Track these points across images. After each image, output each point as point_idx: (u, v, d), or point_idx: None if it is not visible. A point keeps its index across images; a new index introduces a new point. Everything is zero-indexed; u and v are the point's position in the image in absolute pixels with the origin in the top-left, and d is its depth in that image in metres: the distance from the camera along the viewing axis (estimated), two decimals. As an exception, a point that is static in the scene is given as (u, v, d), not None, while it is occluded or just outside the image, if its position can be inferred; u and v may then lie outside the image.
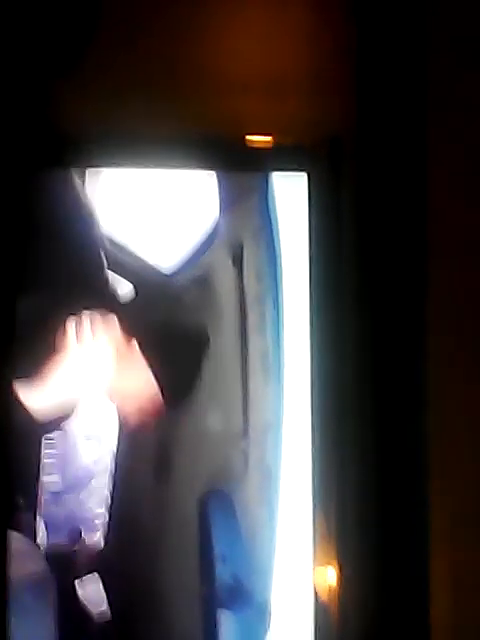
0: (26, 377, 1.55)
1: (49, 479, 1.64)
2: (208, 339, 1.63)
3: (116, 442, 1.65)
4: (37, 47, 1.41)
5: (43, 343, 1.57)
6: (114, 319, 1.59)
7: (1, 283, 1.45)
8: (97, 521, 1.64)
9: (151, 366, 1.58)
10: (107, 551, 1.62)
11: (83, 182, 1.70)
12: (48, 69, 1.41)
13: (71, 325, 1.57)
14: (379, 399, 1.42)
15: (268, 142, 1.47)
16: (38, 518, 1.63)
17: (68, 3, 1.43)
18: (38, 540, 1.60)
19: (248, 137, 1.46)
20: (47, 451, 1.65)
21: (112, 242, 1.78)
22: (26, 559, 1.56)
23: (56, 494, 1.64)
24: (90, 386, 1.59)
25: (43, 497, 1.63)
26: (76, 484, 1.65)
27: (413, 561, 1.39)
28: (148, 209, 1.74)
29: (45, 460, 1.64)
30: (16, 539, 1.53)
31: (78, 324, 1.57)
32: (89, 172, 1.64)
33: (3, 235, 1.44)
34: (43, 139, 1.45)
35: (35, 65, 1.41)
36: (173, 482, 1.63)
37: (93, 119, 1.41)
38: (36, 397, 1.55)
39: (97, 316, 1.58)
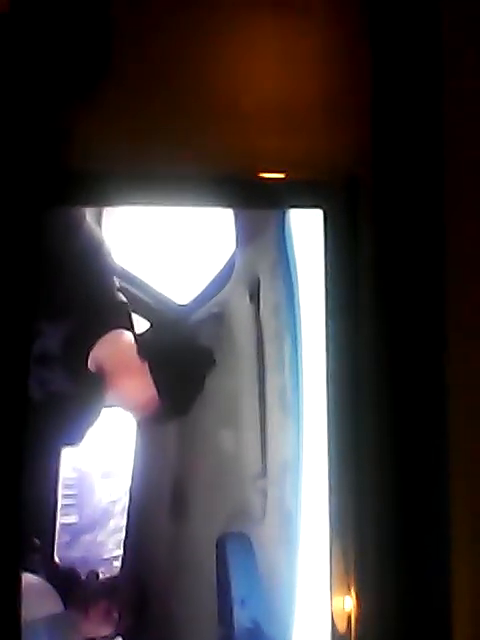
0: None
1: (67, 520, 1.63)
2: (213, 361, 1.64)
3: (131, 477, 1.64)
4: (50, 84, 1.41)
5: (60, 368, 1.59)
6: (128, 341, 1.61)
7: (17, 313, 1.44)
8: (114, 563, 1.63)
9: (156, 383, 1.61)
10: (124, 594, 1.60)
11: (99, 219, 1.71)
12: (61, 107, 1.42)
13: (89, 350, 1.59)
14: (398, 436, 1.39)
15: (283, 179, 1.45)
16: (55, 558, 1.62)
17: (79, 41, 1.43)
18: (53, 579, 1.59)
19: (263, 174, 1.45)
20: (65, 492, 1.64)
21: (128, 278, 1.78)
22: (42, 600, 1.54)
23: (73, 535, 1.63)
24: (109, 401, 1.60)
25: (60, 538, 1.62)
26: (93, 524, 1.63)
27: (434, 601, 1.35)
28: (165, 246, 1.74)
29: (63, 501, 1.64)
30: (32, 580, 1.52)
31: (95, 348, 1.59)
32: (106, 210, 1.65)
33: (18, 271, 1.44)
34: (57, 177, 1.44)
35: (48, 103, 1.42)
36: (190, 523, 1.61)
37: (106, 157, 1.41)
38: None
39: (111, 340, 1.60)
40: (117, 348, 1.63)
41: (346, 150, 1.44)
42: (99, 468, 1.65)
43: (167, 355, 1.65)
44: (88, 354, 1.62)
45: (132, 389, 1.62)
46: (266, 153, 1.44)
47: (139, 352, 1.62)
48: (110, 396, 1.61)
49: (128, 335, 1.64)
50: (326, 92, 1.46)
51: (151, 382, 1.61)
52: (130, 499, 1.64)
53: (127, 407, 1.65)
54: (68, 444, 1.63)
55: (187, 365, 1.66)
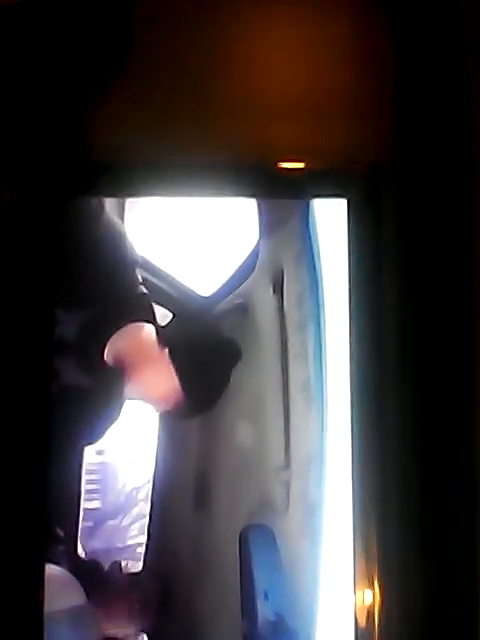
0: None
1: (90, 505, 1.63)
2: (239, 354, 1.61)
3: (154, 465, 1.64)
4: (69, 75, 1.41)
5: (74, 359, 1.59)
6: (149, 333, 1.60)
7: (38, 303, 1.44)
8: (137, 550, 1.63)
9: (179, 375, 1.58)
10: (147, 588, 1.59)
11: (122, 211, 1.70)
12: (81, 98, 1.41)
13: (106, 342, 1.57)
14: (424, 427, 1.37)
15: (305, 168, 1.44)
16: (79, 550, 1.62)
17: (98, 31, 1.42)
18: (77, 571, 1.59)
19: (285, 163, 1.43)
20: (88, 477, 1.64)
21: (151, 270, 1.77)
22: (65, 592, 1.54)
23: (97, 521, 1.63)
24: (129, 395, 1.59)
25: (83, 523, 1.62)
26: (117, 510, 1.63)
27: (460, 594, 1.33)
28: (188, 237, 1.73)
29: (86, 487, 1.63)
30: (55, 571, 1.52)
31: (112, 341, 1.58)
32: (128, 201, 1.64)
33: (40, 261, 1.44)
34: (79, 168, 1.44)
35: (68, 94, 1.41)
36: (214, 515, 1.60)
37: (127, 148, 1.40)
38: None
39: (131, 332, 1.59)
40: (137, 340, 1.60)
41: (368, 138, 1.41)
42: (122, 455, 1.64)
43: (191, 348, 1.63)
44: (105, 346, 1.60)
45: (154, 382, 1.59)
46: (288, 142, 1.43)
47: (161, 343, 1.60)
48: (130, 390, 1.59)
49: (149, 328, 1.62)
50: (347, 79, 1.44)
51: (174, 375, 1.58)
52: (153, 487, 1.63)
53: (149, 401, 1.62)
54: (89, 442, 1.62)
55: (212, 358, 1.63)
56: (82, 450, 1.68)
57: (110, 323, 1.60)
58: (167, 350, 1.59)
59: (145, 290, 1.66)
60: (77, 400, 1.58)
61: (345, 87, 1.43)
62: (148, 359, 1.61)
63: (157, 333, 1.61)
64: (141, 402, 1.63)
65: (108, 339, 1.60)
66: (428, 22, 1.39)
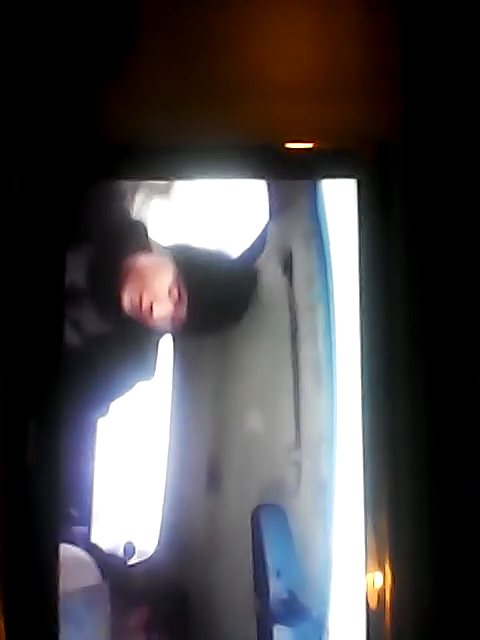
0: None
1: (104, 485, 1.64)
2: (255, 283, 1.62)
3: (167, 447, 1.65)
4: (77, 60, 1.41)
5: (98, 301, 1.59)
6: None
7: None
8: (149, 531, 1.64)
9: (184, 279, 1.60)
10: (158, 564, 1.61)
11: (132, 193, 1.70)
12: (90, 82, 1.41)
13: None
14: (433, 407, 1.38)
15: (315, 148, 1.44)
16: (92, 527, 1.63)
17: (107, 14, 1.42)
18: (91, 549, 1.60)
19: (294, 144, 1.44)
20: (100, 457, 1.65)
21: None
22: (80, 571, 1.56)
23: (108, 500, 1.64)
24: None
25: (97, 506, 1.63)
26: (130, 491, 1.64)
27: (472, 573, 1.34)
28: (196, 218, 1.73)
29: (99, 465, 1.64)
30: (70, 551, 1.53)
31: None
32: (136, 183, 1.64)
33: (54, 245, 1.45)
34: (91, 151, 1.45)
35: (78, 79, 1.41)
36: (225, 495, 1.61)
37: (135, 131, 1.41)
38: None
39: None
40: (142, 265, 1.61)
41: (378, 118, 1.42)
42: (135, 436, 1.65)
43: (202, 261, 1.63)
44: (117, 284, 1.60)
45: (159, 283, 1.60)
46: (297, 123, 1.43)
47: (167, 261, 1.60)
48: (128, 299, 1.59)
49: (148, 253, 1.62)
50: (356, 59, 1.44)
51: (178, 277, 1.59)
52: (167, 468, 1.65)
53: (149, 305, 1.60)
54: (125, 390, 1.62)
55: (223, 275, 1.63)
56: (107, 406, 1.67)
57: (113, 258, 1.60)
58: (172, 258, 1.60)
59: (139, 218, 1.66)
60: (102, 351, 1.59)
61: (354, 67, 1.43)
62: (148, 270, 1.61)
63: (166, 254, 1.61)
64: (142, 317, 1.62)
65: (116, 275, 1.60)
66: (437, 2, 1.39)
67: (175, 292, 1.60)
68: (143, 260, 1.63)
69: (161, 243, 1.67)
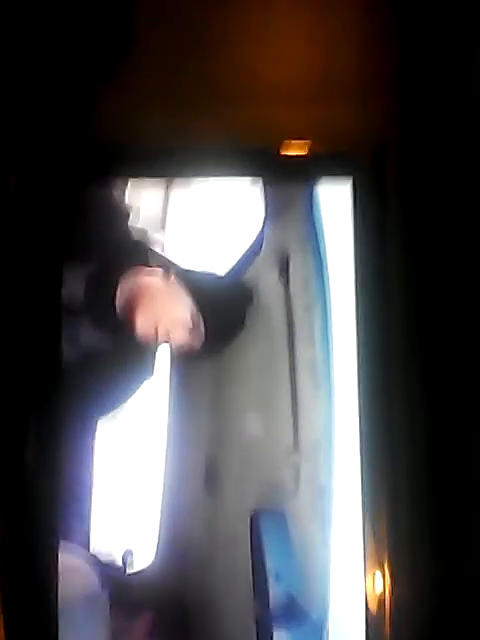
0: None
1: (102, 490, 1.63)
2: (252, 297, 1.63)
3: (164, 450, 1.64)
4: (75, 61, 1.41)
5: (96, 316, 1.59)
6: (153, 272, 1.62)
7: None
8: (147, 538, 1.63)
9: (194, 300, 1.60)
10: (158, 569, 1.61)
11: (126, 192, 1.70)
12: (87, 83, 1.41)
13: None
14: (430, 408, 1.37)
15: (311, 149, 1.43)
16: (91, 533, 1.62)
17: (103, 15, 1.42)
18: (90, 556, 1.60)
19: (291, 144, 1.43)
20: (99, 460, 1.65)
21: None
22: (78, 577, 1.56)
23: (109, 508, 1.63)
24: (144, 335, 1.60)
25: (95, 512, 1.62)
26: (128, 496, 1.64)
27: (470, 574, 1.34)
28: (194, 219, 1.73)
29: (98, 470, 1.64)
30: (68, 555, 1.53)
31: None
32: (132, 182, 1.63)
33: (51, 245, 1.44)
34: (88, 150, 1.44)
35: (75, 80, 1.41)
36: (224, 499, 1.61)
37: (132, 131, 1.40)
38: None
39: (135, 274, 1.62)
40: (142, 283, 1.62)
41: (373, 120, 1.41)
42: (133, 440, 1.65)
43: (206, 282, 1.64)
44: (114, 299, 1.61)
45: (168, 307, 1.61)
46: (293, 123, 1.43)
47: (172, 280, 1.61)
48: (145, 328, 1.59)
49: (150, 270, 1.63)
50: (352, 62, 1.43)
51: (189, 299, 1.59)
52: (164, 472, 1.64)
53: (164, 334, 1.60)
54: (109, 408, 1.62)
55: (227, 295, 1.64)
56: (95, 429, 1.68)
57: (111, 273, 1.61)
58: (178, 281, 1.60)
59: (140, 238, 1.66)
60: (96, 365, 1.59)
61: (350, 69, 1.43)
62: (159, 294, 1.61)
63: (166, 273, 1.62)
64: (156, 344, 1.62)
65: (114, 291, 1.61)
66: (433, 4, 1.38)
67: (193, 321, 1.60)
68: (153, 283, 1.63)
69: (164, 260, 1.68)
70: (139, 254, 1.65)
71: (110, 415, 1.64)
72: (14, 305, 1.40)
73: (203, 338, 1.61)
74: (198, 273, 1.66)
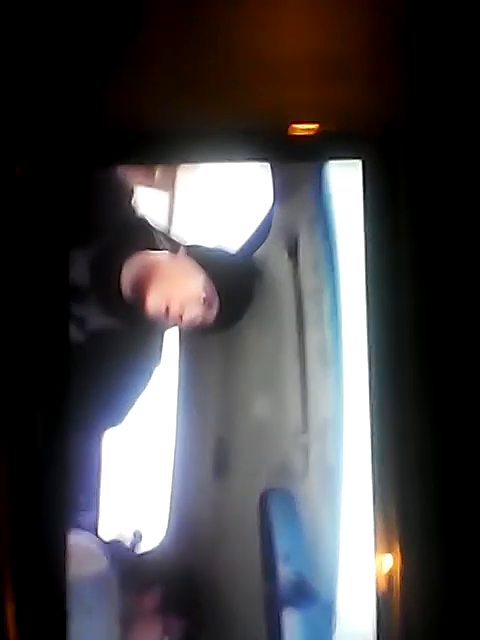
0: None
1: (111, 474, 1.64)
2: (262, 274, 1.63)
3: (174, 433, 1.64)
4: (81, 47, 1.40)
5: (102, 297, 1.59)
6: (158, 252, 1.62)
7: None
8: (157, 518, 1.64)
9: (205, 270, 1.61)
10: (167, 548, 1.61)
11: (136, 181, 1.70)
12: (93, 69, 1.41)
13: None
14: (439, 391, 1.38)
15: (320, 129, 1.43)
16: (100, 514, 1.63)
17: (109, 0, 1.41)
18: (99, 538, 1.60)
19: (299, 125, 1.42)
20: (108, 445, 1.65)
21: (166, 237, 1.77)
22: (87, 558, 1.56)
23: (116, 488, 1.64)
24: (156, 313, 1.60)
25: (103, 493, 1.63)
26: (138, 479, 1.64)
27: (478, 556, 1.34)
28: (201, 202, 1.72)
29: (107, 454, 1.64)
30: (77, 538, 1.53)
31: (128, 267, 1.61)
32: (139, 168, 1.63)
33: (56, 233, 1.44)
34: (94, 137, 1.44)
35: (81, 63, 1.41)
36: (233, 480, 1.61)
37: (139, 116, 1.40)
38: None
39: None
40: (148, 261, 1.61)
41: (383, 99, 1.41)
42: (142, 423, 1.65)
43: (212, 255, 1.64)
44: (119, 280, 1.60)
45: (179, 281, 1.61)
46: (302, 104, 1.42)
47: (179, 255, 1.61)
48: (155, 305, 1.59)
49: (155, 250, 1.62)
50: (361, 40, 1.42)
51: (200, 271, 1.59)
52: (174, 454, 1.65)
53: (176, 309, 1.59)
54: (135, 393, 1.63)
55: (239, 269, 1.64)
56: (116, 398, 1.68)
57: (118, 257, 1.61)
58: (189, 257, 1.60)
59: (147, 223, 1.66)
60: (109, 348, 1.59)
61: (359, 48, 1.42)
62: (169, 271, 1.61)
63: (174, 252, 1.62)
64: (168, 323, 1.62)
65: (119, 274, 1.60)
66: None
67: (206, 296, 1.60)
68: (161, 261, 1.63)
69: (173, 240, 1.67)
70: (147, 238, 1.65)
71: (121, 406, 1.64)
72: (21, 295, 1.41)
73: (217, 310, 1.61)
74: (208, 248, 1.66)
